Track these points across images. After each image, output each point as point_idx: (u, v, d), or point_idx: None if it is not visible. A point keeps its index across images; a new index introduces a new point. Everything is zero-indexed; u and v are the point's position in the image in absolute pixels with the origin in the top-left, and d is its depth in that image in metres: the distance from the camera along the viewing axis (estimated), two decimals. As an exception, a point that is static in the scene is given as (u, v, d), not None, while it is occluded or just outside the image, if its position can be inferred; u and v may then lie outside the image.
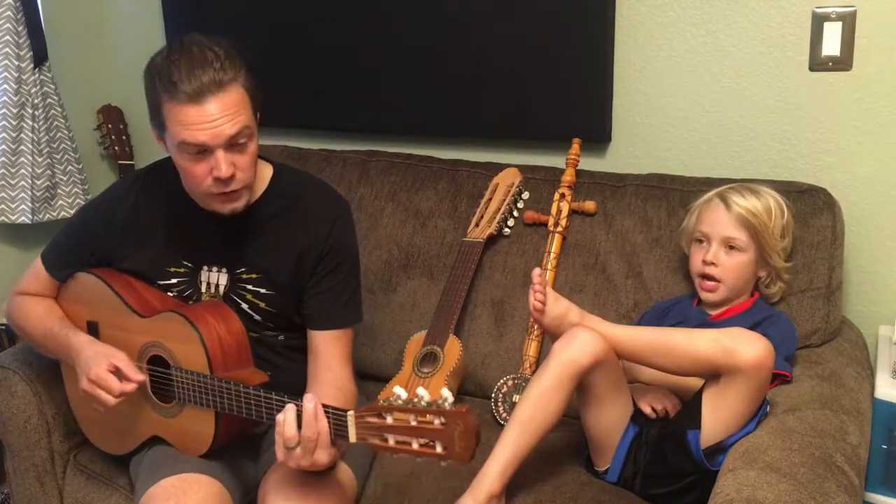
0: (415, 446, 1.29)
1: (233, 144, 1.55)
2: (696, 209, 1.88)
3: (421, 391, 1.29)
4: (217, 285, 1.74)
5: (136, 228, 1.75)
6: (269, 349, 1.77)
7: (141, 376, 1.62)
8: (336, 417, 1.39)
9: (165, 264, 1.75)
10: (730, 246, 1.80)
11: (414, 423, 1.28)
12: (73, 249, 1.80)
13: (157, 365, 1.67)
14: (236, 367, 1.62)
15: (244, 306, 1.73)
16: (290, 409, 1.42)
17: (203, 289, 1.75)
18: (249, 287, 1.73)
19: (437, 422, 1.26)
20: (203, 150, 1.54)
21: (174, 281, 1.75)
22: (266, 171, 1.74)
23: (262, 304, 1.73)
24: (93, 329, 1.77)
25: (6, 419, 1.91)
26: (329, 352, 1.71)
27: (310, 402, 1.41)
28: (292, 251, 1.71)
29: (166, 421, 1.67)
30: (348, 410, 1.37)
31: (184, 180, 1.62)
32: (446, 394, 1.27)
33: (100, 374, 1.59)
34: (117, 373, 1.61)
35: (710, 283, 1.81)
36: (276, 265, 1.72)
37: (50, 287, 1.83)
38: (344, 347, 1.73)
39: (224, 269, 1.74)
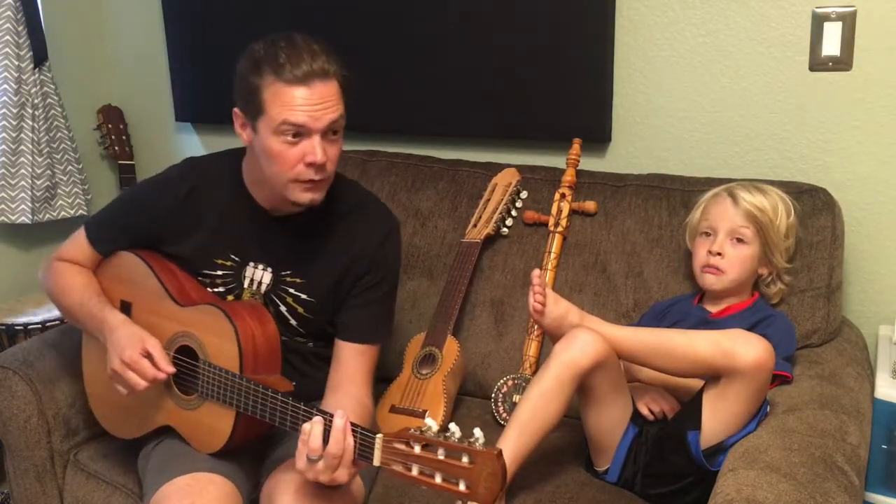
0: (437, 480, 1.27)
1: (327, 133, 1.58)
2: (701, 204, 1.89)
3: (453, 426, 1.27)
4: (260, 283, 1.74)
5: (189, 215, 1.74)
6: (297, 355, 1.77)
7: (171, 368, 1.62)
8: (363, 438, 1.38)
9: (213, 254, 1.75)
10: (736, 238, 1.80)
11: (441, 457, 1.27)
12: (121, 226, 1.80)
13: (184, 355, 1.66)
14: (265, 371, 1.62)
15: (282, 308, 1.74)
16: (318, 421, 1.41)
17: (245, 284, 1.75)
18: (291, 290, 1.74)
19: (465, 459, 1.25)
20: (300, 134, 1.56)
21: (219, 273, 1.75)
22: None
23: (300, 310, 1.74)
24: (125, 309, 1.76)
25: (6, 419, 1.91)
26: (354, 364, 1.71)
27: (340, 418, 1.40)
28: (341, 260, 1.72)
29: (183, 413, 1.66)
30: (377, 433, 1.36)
31: (268, 167, 1.61)
32: (478, 434, 1.26)
33: (134, 356, 1.60)
34: (149, 358, 1.61)
35: (714, 269, 1.81)
36: (322, 272, 1.72)
37: (91, 258, 1.82)
38: (369, 363, 1.74)
39: (269, 269, 1.74)
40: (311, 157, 1.56)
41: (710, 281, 1.83)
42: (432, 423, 1.30)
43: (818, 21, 1.98)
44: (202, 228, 1.74)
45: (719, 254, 1.80)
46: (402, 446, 1.31)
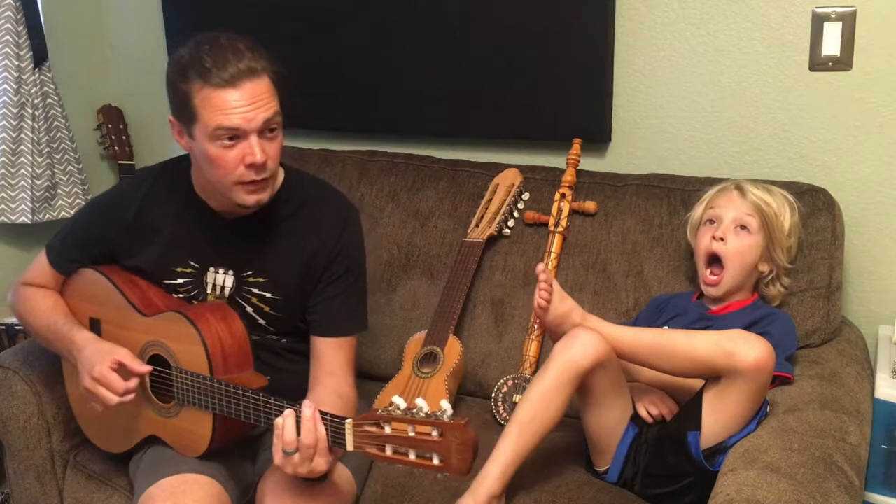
0: (412, 457, 1.29)
1: (264, 131, 1.56)
2: (705, 198, 1.89)
3: (420, 402, 1.28)
4: (223, 287, 1.74)
5: (144, 226, 1.74)
6: (271, 352, 1.77)
7: (145, 367, 1.62)
8: (334, 425, 1.39)
9: (172, 264, 1.75)
10: (741, 226, 1.80)
11: (412, 434, 1.28)
12: (78, 244, 1.80)
13: (157, 365, 1.67)
14: (237, 370, 1.62)
15: (249, 309, 1.74)
16: (290, 414, 1.42)
17: (209, 290, 1.74)
18: (255, 291, 1.73)
19: (434, 433, 1.26)
20: (236, 136, 1.54)
21: (180, 281, 1.75)
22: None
23: (267, 308, 1.73)
24: (95, 326, 1.77)
25: (6, 419, 1.91)
26: (332, 358, 1.71)
27: (308, 408, 1.41)
28: (301, 256, 1.71)
29: (164, 421, 1.67)
30: (346, 418, 1.37)
31: (210, 172, 1.60)
32: (445, 405, 1.27)
33: (103, 371, 1.59)
34: (121, 370, 1.61)
35: (714, 279, 1.81)
36: (284, 269, 1.72)
37: (54, 280, 1.82)
38: (347, 354, 1.73)
39: (231, 272, 1.73)
40: (250, 158, 1.55)
41: (709, 290, 1.83)
42: (400, 402, 1.31)
43: (818, 21, 1.98)
44: (158, 238, 1.74)
45: (722, 239, 1.80)
46: (372, 428, 1.33)
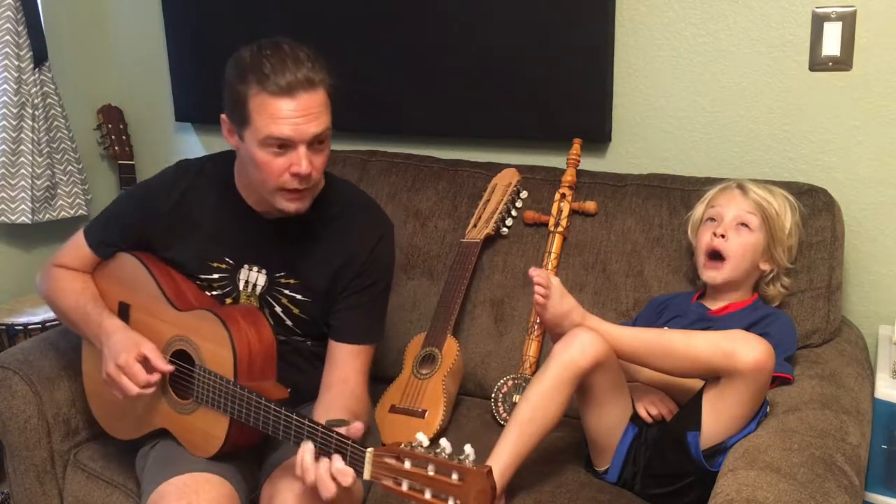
0: (427, 496, 1.27)
1: (313, 143, 1.57)
2: (707, 196, 1.89)
3: (444, 442, 1.27)
4: (255, 285, 1.74)
5: (182, 219, 1.74)
6: (296, 353, 1.78)
7: (169, 367, 1.62)
8: (354, 452, 1.38)
9: (208, 258, 1.75)
10: (742, 223, 1.80)
11: (431, 474, 1.27)
12: (117, 229, 1.80)
13: (181, 360, 1.66)
14: (260, 378, 1.62)
15: (278, 309, 1.74)
16: (310, 450, 1.42)
17: (241, 287, 1.75)
18: (286, 292, 1.74)
19: (454, 476, 1.24)
20: (285, 146, 1.55)
21: (215, 276, 1.75)
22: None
23: (296, 310, 1.74)
24: (124, 310, 1.77)
25: (6, 419, 1.91)
26: (348, 365, 1.71)
27: (308, 453, 1.41)
28: (333, 261, 1.72)
29: (178, 417, 1.67)
30: (369, 448, 1.37)
31: (255, 174, 1.61)
32: (468, 450, 1.25)
33: (129, 361, 1.60)
34: (144, 363, 1.61)
35: (716, 262, 1.81)
36: (316, 273, 1.72)
37: (89, 262, 1.82)
38: (363, 363, 1.74)
39: (264, 271, 1.74)
40: (296, 169, 1.56)
41: (710, 275, 1.82)
42: (423, 438, 1.30)
43: (818, 21, 1.98)
44: (196, 232, 1.75)
45: (723, 236, 1.80)
46: (392, 461, 1.32)
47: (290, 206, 1.62)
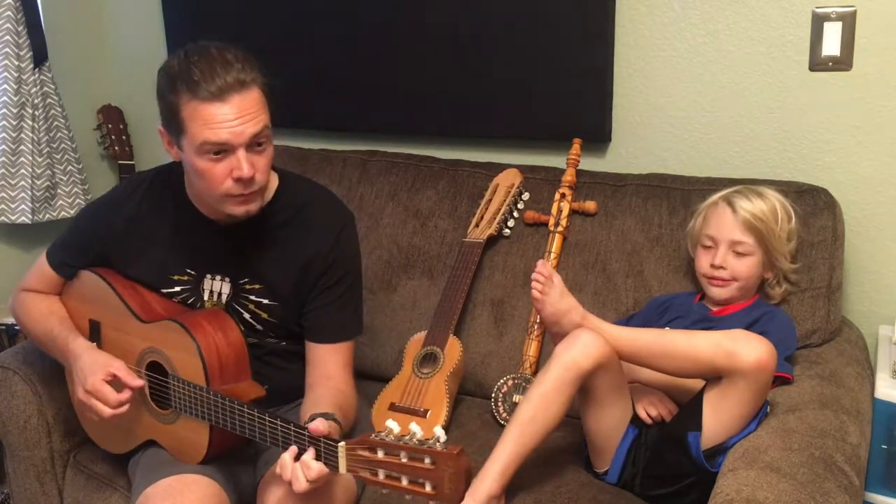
0: (404, 483, 1.29)
1: (252, 145, 1.55)
2: (702, 212, 1.88)
3: (414, 427, 1.29)
4: (220, 294, 1.73)
5: (138, 234, 1.74)
6: (272, 353, 1.77)
7: (139, 381, 1.62)
8: (327, 447, 1.39)
9: (168, 272, 1.74)
10: (737, 251, 1.80)
11: (405, 461, 1.28)
12: (76, 250, 1.80)
13: (155, 371, 1.67)
14: (234, 380, 1.61)
15: (246, 316, 1.73)
16: (291, 452, 1.43)
17: (206, 297, 1.74)
18: (252, 297, 1.73)
19: (427, 461, 1.26)
20: (223, 150, 1.53)
21: (177, 289, 1.75)
22: (272, 180, 1.73)
23: (264, 315, 1.73)
24: (95, 328, 1.77)
25: (6, 419, 1.91)
26: (329, 362, 1.71)
27: (288, 454, 1.41)
28: (296, 262, 1.71)
29: (163, 427, 1.67)
30: (340, 441, 1.37)
31: (198, 183, 1.60)
32: (439, 432, 1.27)
33: (96, 384, 1.60)
34: (115, 382, 1.61)
35: (720, 281, 1.81)
36: (280, 276, 1.71)
37: (54, 284, 1.83)
38: (344, 358, 1.73)
39: (227, 279, 1.73)
40: (237, 173, 1.54)
41: (716, 292, 1.83)
42: (394, 426, 1.31)
43: (818, 21, 1.98)
44: (154, 246, 1.74)
45: (722, 267, 1.80)
46: (365, 452, 1.33)
47: (238, 210, 1.60)
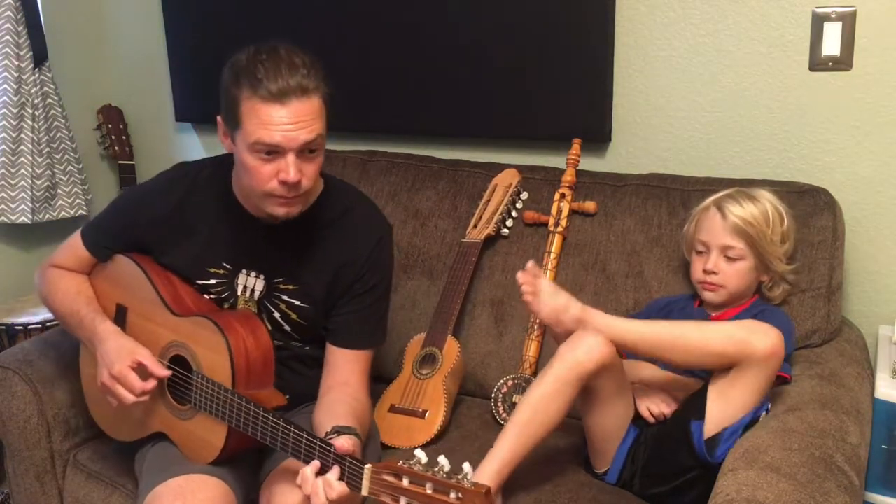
0: None
1: (304, 151, 1.54)
2: (695, 216, 1.88)
3: (442, 459, 1.27)
4: (253, 290, 1.73)
5: (179, 223, 1.74)
6: (294, 358, 1.77)
7: (166, 371, 1.62)
8: (352, 467, 1.38)
9: (206, 263, 1.74)
10: (728, 256, 1.80)
11: (429, 492, 1.27)
12: (114, 232, 1.79)
13: (178, 365, 1.66)
14: (258, 385, 1.61)
15: (276, 315, 1.74)
16: (314, 466, 1.42)
17: (239, 292, 1.74)
18: (284, 297, 1.73)
19: (453, 495, 1.24)
20: (274, 152, 1.53)
21: (212, 282, 1.75)
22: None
23: (294, 316, 1.73)
24: (121, 312, 1.76)
25: (6, 419, 1.91)
26: (348, 369, 1.71)
27: (309, 468, 1.41)
28: (332, 265, 1.71)
29: (176, 422, 1.66)
30: (367, 464, 1.36)
31: (245, 178, 1.61)
32: (467, 468, 1.26)
33: (123, 370, 1.59)
34: (139, 370, 1.60)
35: (712, 286, 1.81)
36: (314, 278, 1.71)
37: (86, 264, 1.82)
38: (363, 366, 1.73)
39: (262, 276, 1.73)
40: (283, 176, 1.54)
41: (709, 297, 1.83)
42: (421, 455, 1.30)
43: (818, 21, 1.98)
44: (193, 237, 1.74)
45: (714, 272, 1.80)
46: (390, 478, 1.32)
47: (279, 210, 1.60)
